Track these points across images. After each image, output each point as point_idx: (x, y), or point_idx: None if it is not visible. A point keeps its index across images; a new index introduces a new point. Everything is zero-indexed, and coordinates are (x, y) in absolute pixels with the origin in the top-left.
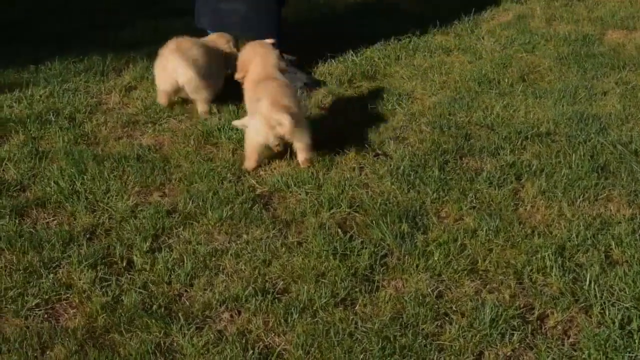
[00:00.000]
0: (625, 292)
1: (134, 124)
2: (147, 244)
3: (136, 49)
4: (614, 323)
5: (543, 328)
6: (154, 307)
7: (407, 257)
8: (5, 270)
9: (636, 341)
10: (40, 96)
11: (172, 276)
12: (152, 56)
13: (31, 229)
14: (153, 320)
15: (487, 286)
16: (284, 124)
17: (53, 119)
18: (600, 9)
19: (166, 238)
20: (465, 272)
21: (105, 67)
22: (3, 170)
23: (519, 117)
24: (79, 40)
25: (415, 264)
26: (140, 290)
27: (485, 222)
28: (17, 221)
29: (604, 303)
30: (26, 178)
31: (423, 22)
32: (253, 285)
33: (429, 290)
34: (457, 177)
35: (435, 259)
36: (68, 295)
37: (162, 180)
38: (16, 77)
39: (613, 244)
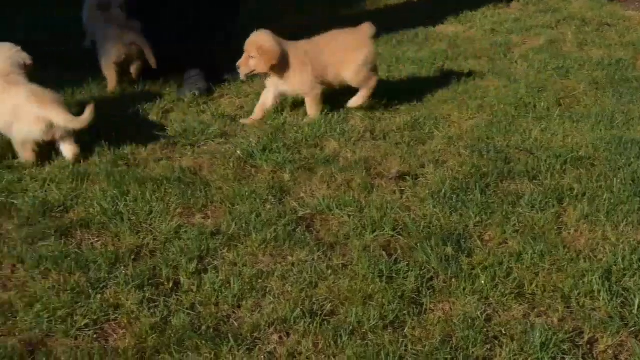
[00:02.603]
0: None
1: (173, 146)
2: (193, 265)
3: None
4: None
5: (594, 352)
6: (203, 328)
7: (453, 280)
8: (53, 291)
9: None
10: None
11: (219, 297)
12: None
13: (76, 250)
14: (203, 342)
15: (535, 310)
16: None
17: (93, 141)
18: (631, 34)
19: (211, 259)
20: (513, 295)
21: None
22: (46, 191)
23: (557, 141)
24: None
25: (462, 287)
26: (189, 312)
27: (530, 246)
28: (62, 242)
29: None
30: (69, 199)
31: (455, 46)
32: (301, 307)
33: (478, 313)
34: (499, 201)
35: (482, 282)
36: (116, 315)
37: (204, 202)
38: None
39: None
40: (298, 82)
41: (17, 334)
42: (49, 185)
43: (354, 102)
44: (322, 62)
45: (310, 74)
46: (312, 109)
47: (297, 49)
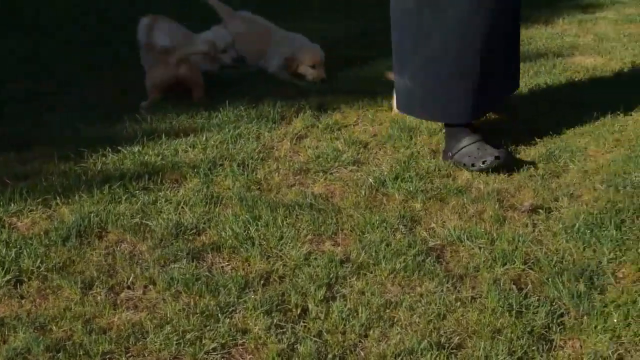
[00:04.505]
0: None
1: (305, 172)
2: (322, 292)
3: (306, 97)
4: None
5: None
6: (329, 356)
7: (584, 317)
8: (183, 313)
9: None
10: (214, 142)
11: (346, 326)
12: (321, 106)
13: (207, 273)
14: None
15: None
16: None
17: (226, 165)
18: None
19: (340, 287)
20: None
21: (276, 115)
22: (179, 213)
23: None
24: (250, 87)
25: (593, 325)
26: (316, 339)
27: None
28: (193, 264)
29: None
30: (201, 222)
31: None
32: (428, 339)
33: (609, 352)
34: (635, 237)
35: (614, 320)
36: (244, 340)
37: (334, 229)
38: (190, 122)
39: None
40: None
41: (146, 355)
42: (182, 207)
43: None
44: None
45: None
46: None
47: None
